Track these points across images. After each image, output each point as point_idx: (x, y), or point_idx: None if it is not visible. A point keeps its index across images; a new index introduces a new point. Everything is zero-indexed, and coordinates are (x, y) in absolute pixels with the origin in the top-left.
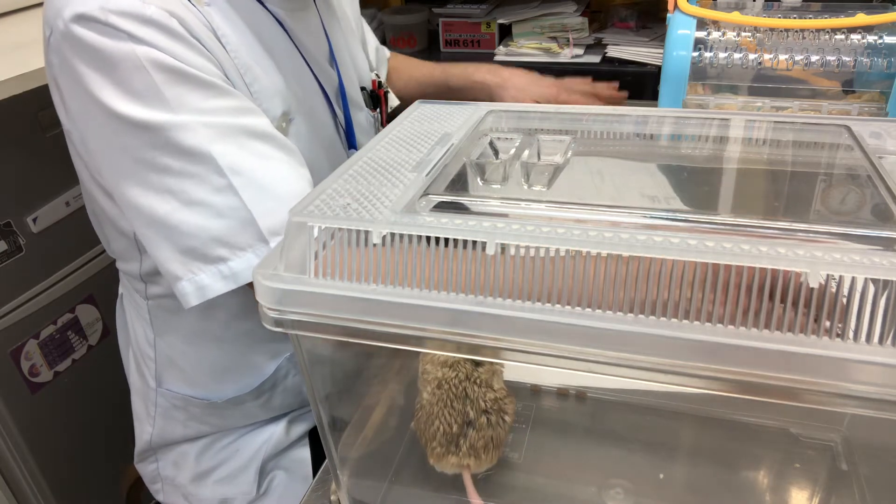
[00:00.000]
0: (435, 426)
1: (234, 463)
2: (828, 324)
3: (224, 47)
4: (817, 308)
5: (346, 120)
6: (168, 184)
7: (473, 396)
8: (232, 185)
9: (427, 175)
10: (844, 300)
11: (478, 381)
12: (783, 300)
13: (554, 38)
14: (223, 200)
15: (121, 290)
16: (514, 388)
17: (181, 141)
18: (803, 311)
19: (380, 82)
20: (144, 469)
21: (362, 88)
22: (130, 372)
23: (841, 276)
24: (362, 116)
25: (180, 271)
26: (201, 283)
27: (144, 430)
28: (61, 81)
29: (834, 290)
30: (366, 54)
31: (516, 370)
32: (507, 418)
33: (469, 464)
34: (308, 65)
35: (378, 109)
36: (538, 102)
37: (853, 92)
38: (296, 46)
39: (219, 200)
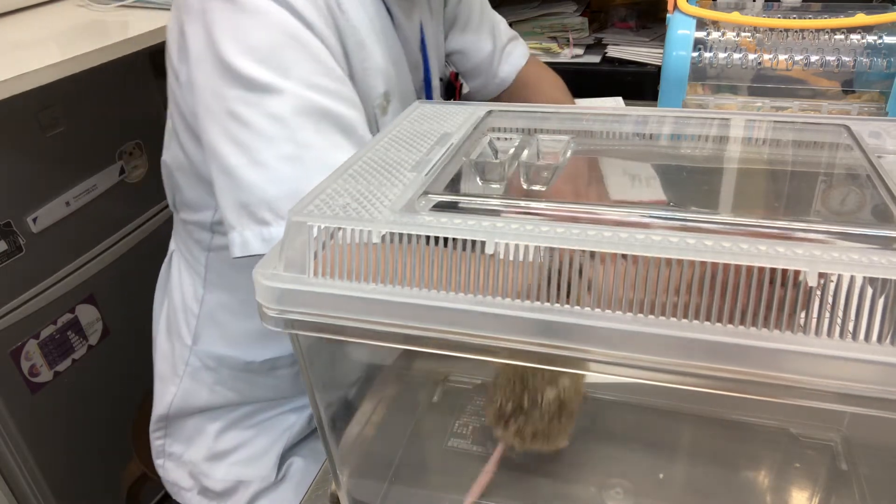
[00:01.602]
0: (497, 396)
1: (254, 447)
2: (826, 323)
3: (345, 21)
4: (816, 307)
5: None
6: (246, 139)
7: (532, 386)
8: (298, 158)
9: (426, 175)
10: (843, 299)
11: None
12: (782, 299)
13: (554, 38)
14: (285, 169)
15: (172, 246)
16: None
17: (271, 106)
18: (801, 310)
19: (457, 74)
20: (154, 443)
21: (440, 79)
22: (160, 333)
23: (839, 275)
24: None
25: (234, 222)
26: (245, 239)
27: (167, 392)
28: (189, 24)
29: (832, 288)
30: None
31: None
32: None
33: (513, 444)
34: (405, 52)
35: (451, 100)
36: None
37: (853, 92)
38: (397, 33)
39: (281, 168)
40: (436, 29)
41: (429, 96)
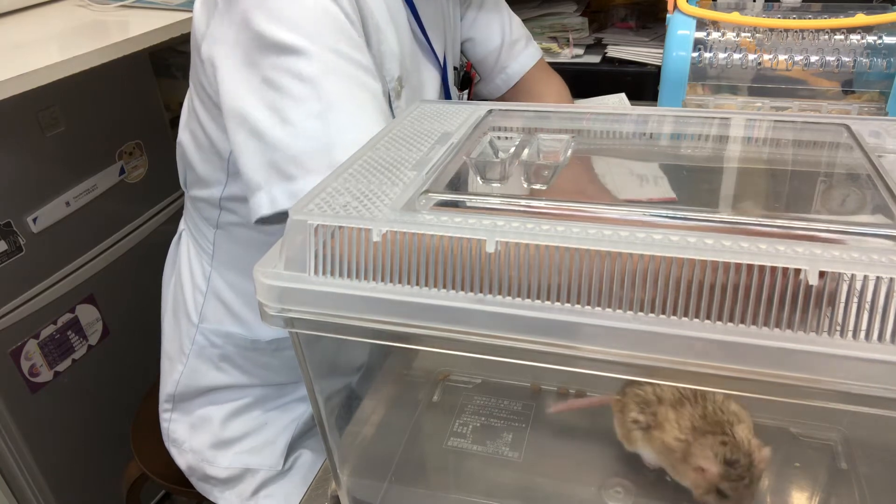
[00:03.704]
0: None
1: (262, 435)
2: (827, 321)
3: (364, 3)
4: (816, 305)
5: (446, 96)
6: (277, 102)
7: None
8: (324, 115)
9: (427, 174)
10: (843, 298)
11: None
12: (782, 297)
13: (554, 38)
14: (312, 125)
15: (181, 226)
16: (515, 388)
17: (301, 69)
18: (802, 309)
19: (472, 66)
20: (161, 425)
21: (455, 69)
22: (166, 312)
23: (840, 274)
24: (454, 94)
25: (261, 181)
26: (273, 196)
27: (174, 371)
28: (223, 2)
29: (833, 287)
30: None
31: (517, 370)
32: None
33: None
34: (426, 41)
35: (466, 90)
36: None
37: (853, 92)
38: (417, 22)
39: (308, 124)
40: (454, 17)
41: (445, 86)
